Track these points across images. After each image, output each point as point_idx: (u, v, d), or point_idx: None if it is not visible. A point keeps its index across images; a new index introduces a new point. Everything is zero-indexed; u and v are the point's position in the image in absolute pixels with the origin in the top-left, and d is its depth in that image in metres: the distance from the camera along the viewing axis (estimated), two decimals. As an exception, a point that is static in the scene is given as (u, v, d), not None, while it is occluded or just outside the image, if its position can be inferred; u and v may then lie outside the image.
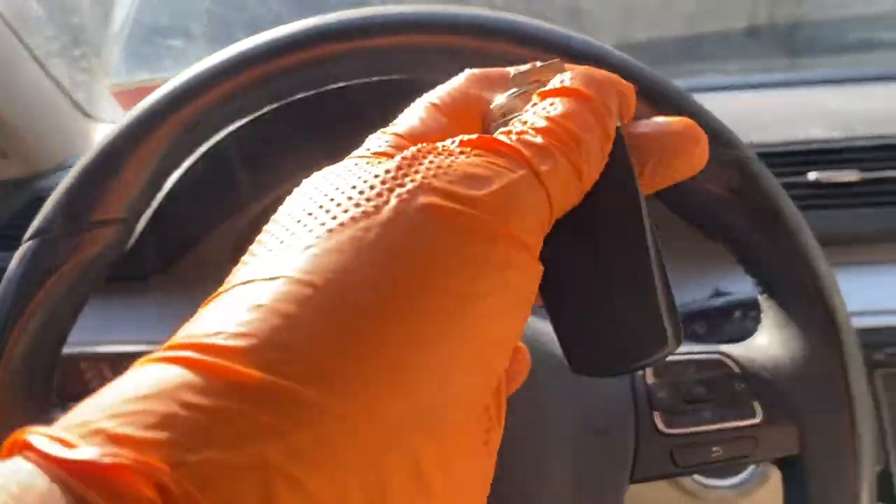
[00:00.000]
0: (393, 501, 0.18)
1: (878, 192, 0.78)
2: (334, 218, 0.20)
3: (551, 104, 0.23)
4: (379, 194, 0.20)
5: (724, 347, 0.49)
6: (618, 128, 0.24)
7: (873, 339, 0.72)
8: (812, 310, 0.46)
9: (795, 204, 0.78)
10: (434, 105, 0.26)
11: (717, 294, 0.67)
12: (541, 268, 0.22)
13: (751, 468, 0.71)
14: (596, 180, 0.24)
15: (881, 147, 0.80)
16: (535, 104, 0.24)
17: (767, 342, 0.48)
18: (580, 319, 0.24)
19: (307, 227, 0.20)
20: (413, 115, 0.26)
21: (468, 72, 0.27)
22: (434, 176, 0.20)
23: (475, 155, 0.21)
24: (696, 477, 0.71)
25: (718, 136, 0.47)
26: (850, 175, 0.78)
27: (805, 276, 0.46)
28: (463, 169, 0.21)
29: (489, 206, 0.20)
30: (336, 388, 0.17)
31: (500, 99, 0.26)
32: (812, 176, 0.78)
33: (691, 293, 0.73)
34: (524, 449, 0.45)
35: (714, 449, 0.46)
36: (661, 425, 0.46)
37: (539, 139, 0.22)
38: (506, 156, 0.22)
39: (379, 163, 0.21)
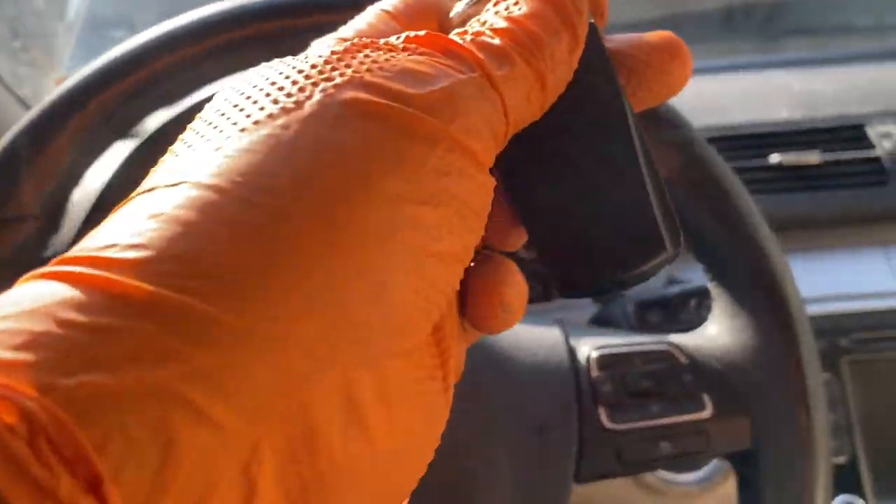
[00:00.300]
0: (321, 438, 0.15)
1: (839, 173, 0.76)
2: (248, 116, 0.17)
3: (515, 3, 0.21)
4: (301, 89, 0.18)
5: (673, 337, 0.46)
6: (591, 23, 0.22)
7: (838, 325, 0.70)
8: (763, 297, 0.44)
9: (757, 187, 0.77)
10: (386, 11, 0.23)
11: (672, 282, 0.65)
12: (492, 181, 0.19)
13: (714, 462, 0.69)
14: (564, 89, 0.21)
15: (843, 128, 0.78)
16: (496, 2, 0.21)
17: (717, 331, 0.46)
18: (566, 236, 0.22)
19: (219, 128, 0.17)
20: (362, 20, 0.23)
21: None
22: (368, 70, 0.18)
23: (420, 53, 0.19)
24: (659, 472, 0.69)
25: (660, 116, 0.45)
26: (812, 157, 0.76)
27: (755, 262, 0.44)
28: (402, 65, 0.18)
29: (429, 104, 0.18)
30: (245, 305, 0.15)
31: (459, 6, 0.23)
32: (774, 158, 0.76)
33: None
34: (458, 451, 0.42)
35: (662, 445, 0.43)
36: (605, 421, 0.43)
37: (497, 41, 0.20)
38: (456, 56, 0.19)
39: (306, 59, 0.19)
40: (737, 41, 1.39)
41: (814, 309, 0.71)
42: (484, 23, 0.21)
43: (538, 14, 0.20)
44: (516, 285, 0.22)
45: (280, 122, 0.17)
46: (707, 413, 0.43)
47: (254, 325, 0.15)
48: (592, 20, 0.22)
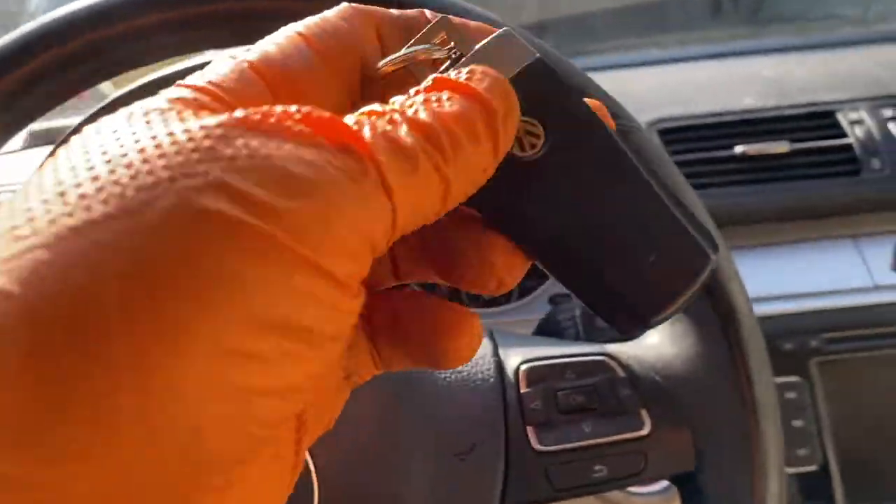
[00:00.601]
0: None
1: (808, 163, 0.72)
2: (83, 199, 0.15)
3: (448, 98, 0.19)
4: (156, 183, 0.15)
5: (611, 347, 0.42)
6: (545, 64, 0.22)
7: (808, 325, 0.66)
8: (705, 299, 0.40)
9: (722, 179, 0.73)
10: (300, 34, 0.21)
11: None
12: (357, 302, 0.17)
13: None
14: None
15: (812, 115, 0.74)
16: (428, 90, 0.19)
17: (659, 339, 0.42)
18: (612, 284, 0.22)
19: (45, 204, 0.15)
20: (271, 42, 0.20)
21: (346, 3, 0.22)
22: (239, 170, 0.15)
23: (312, 144, 0.16)
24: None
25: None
26: (779, 146, 0.72)
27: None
28: (282, 164, 0.16)
29: (299, 223, 0.15)
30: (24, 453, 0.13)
31: (394, 56, 0.22)
32: (739, 149, 0.72)
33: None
34: (375, 473, 0.38)
35: (597, 468, 0.39)
36: (534, 442, 0.39)
37: (410, 139, 0.17)
38: (351, 154, 0.17)
39: (178, 133, 0.16)
40: (724, 28, 1.36)
41: (781, 307, 0.68)
42: (409, 107, 0.18)
43: (466, 116, 0.19)
44: (467, 336, 0.22)
45: (117, 224, 0.14)
46: (645, 431, 0.39)
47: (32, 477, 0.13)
48: (538, 55, 0.22)
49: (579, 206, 0.22)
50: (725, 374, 0.39)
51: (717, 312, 0.40)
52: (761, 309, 0.67)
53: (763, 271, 0.69)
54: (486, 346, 0.43)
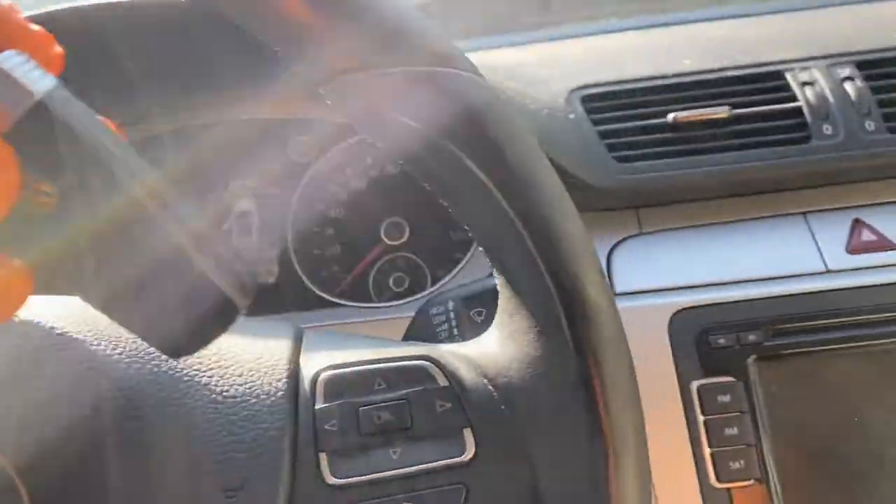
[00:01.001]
0: None
1: (751, 130, 0.62)
2: None
3: None
4: None
5: (440, 348, 0.34)
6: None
7: (745, 316, 0.57)
8: (547, 286, 0.31)
9: (656, 150, 0.64)
10: None
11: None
12: None
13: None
14: None
15: (758, 76, 0.65)
16: None
17: (496, 338, 0.33)
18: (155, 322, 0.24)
19: None
20: None
21: None
22: None
23: None
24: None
25: (395, 40, 0.32)
26: (717, 111, 0.62)
27: (536, 236, 0.31)
28: None
29: None
30: None
31: None
32: (671, 116, 0.63)
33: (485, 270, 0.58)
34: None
35: (404, 504, 0.31)
36: (326, 473, 0.31)
37: None
38: None
39: None
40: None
41: (714, 296, 0.59)
42: None
43: None
44: None
45: None
46: (467, 456, 0.31)
47: None
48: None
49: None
50: (570, 385, 0.30)
51: (560, 304, 0.31)
52: (692, 298, 0.58)
53: (697, 254, 0.60)
54: (283, 350, 0.34)
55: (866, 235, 0.60)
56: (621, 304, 0.60)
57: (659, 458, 0.57)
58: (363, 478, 0.31)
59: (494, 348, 0.33)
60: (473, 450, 0.31)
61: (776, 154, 0.61)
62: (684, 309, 0.58)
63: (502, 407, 0.31)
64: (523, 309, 0.32)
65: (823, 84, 0.64)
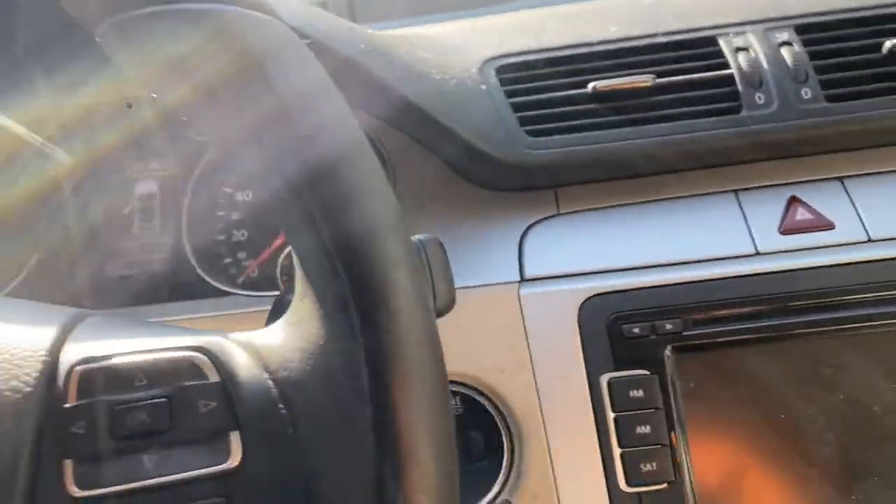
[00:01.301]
0: None
1: (677, 100, 0.57)
2: None
3: None
4: None
5: (221, 338, 0.29)
6: None
7: (662, 303, 0.52)
8: (333, 264, 0.26)
9: (578, 122, 0.58)
10: None
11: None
12: None
13: (490, 497, 0.51)
14: None
15: (687, 42, 0.59)
16: None
17: (285, 324, 0.28)
18: None
19: None
20: None
21: None
22: None
23: None
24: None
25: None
26: (641, 80, 0.57)
27: (322, 208, 0.26)
28: None
29: None
30: None
31: None
32: (591, 86, 0.58)
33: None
34: None
35: (157, 521, 0.26)
36: (69, 484, 0.26)
37: None
38: None
39: None
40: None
41: (630, 281, 0.53)
42: None
43: None
44: None
45: None
46: (232, 462, 0.26)
47: None
48: None
49: None
50: (356, 382, 0.25)
51: (348, 288, 0.26)
52: (605, 283, 0.53)
53: (616, 236, 0.55)
54: (44, 338, 0.29)
55: (801, 214, 0.55)
56: (530, 290, 0.56)
57: (564, 460, 0.52)
58: (111, 489, 0.26)
59: (281, 337, 0.28)
60: (240, 456, 0.26)
61: (703, 125, 0.56)
62: (596, 295, 0.53)
63: (280, 406, 0.27)
64: (311, 291, 0.27)
65: (758, 49, 0.58)
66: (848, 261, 0.52)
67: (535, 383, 0.52)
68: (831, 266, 0.53)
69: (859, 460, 0.50)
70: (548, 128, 0.57)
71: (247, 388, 0.27)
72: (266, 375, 0.27)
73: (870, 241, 0.54)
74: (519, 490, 0.50)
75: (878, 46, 0.57)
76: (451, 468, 0.26)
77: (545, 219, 0.58)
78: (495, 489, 0.51)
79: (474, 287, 0.55)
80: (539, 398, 0.51)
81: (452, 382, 0.53)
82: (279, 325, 0.28)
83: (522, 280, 0.55)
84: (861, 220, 0.54)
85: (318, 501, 0.25)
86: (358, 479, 0.25)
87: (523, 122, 0.57)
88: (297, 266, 0.28)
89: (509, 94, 0.58)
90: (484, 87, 0.59)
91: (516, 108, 0.58)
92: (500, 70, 0.60)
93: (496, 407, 0.52)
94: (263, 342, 0.28)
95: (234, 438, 0.26)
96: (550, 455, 0.51)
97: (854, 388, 0.50)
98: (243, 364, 0.27)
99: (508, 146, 0.56)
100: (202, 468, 0.26)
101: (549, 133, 0.57)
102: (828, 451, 0.50)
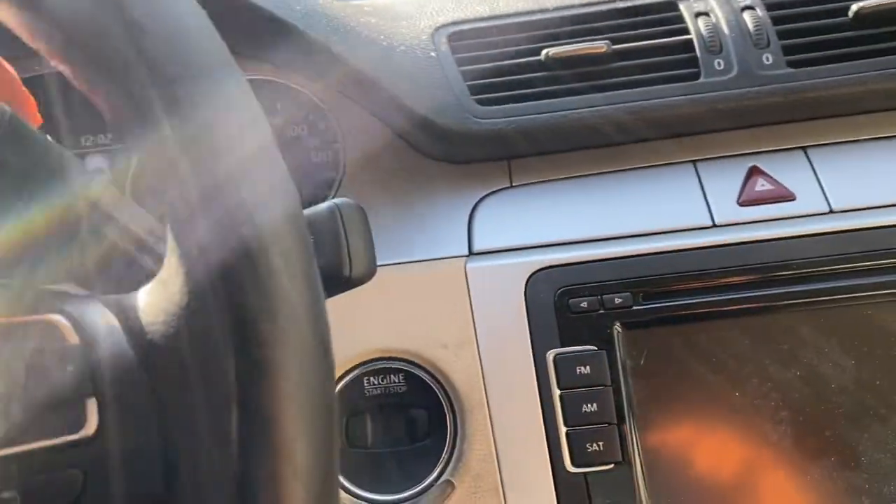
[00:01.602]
0: None
1: (634, 67, 0.55)
2: None
3: None
4: None
5: (92, 299, 0.27)
6: None
7: (611, 276, 0.50)
8: (194, 212, 0.24)
9: (533, 91, 0.56)
10: None
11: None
12: None
13: (431, 478, 0.49)
14: None
15: (644, 7, 0.57)
16: None
17: (154, 283, 0.26)
18: None
19: None
20: None
21: None
22: None
23: None
24: (356, 490, 0.50)
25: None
26: (594, 46, 0.55)
27: (185, 140, 0.24)
28: None
29: None
30: None
31: None
32: (544, 53, 0.55)
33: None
34: None
35: (5, 496, 0.24)
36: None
37: None
38: None
39: None
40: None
41: (580, 254, 0.51)
42: None
43: None
44: None
45: None
46: (87, 431, 0.24)
47: None
48: None
49: None
50: (219, 345, 0.23)
51: (208, 243, 0.24)
52: (553, 257, 0.51)
53: (569, 209, 0.52)
54: None
55: (761, 185, 0.53)
56: (477, 264, 0.53)
57: (507, 438, 0.50)
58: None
59: (150, 297, 0.26)
60: (95, 425, 0.24)
61: (659, 92, 0.54)
62: (543, 269, 0.50)
63: (141, 371, 0.25)
64: (177, 248, 0.25)
65: (719, 14, 0.56)
66: (808, 232, 0.50)
67: (480, 360, 0.50)
68: (790, 238, 0.50)
69: (816, 439, 0.48)
70: (499, 96, 0.55)
71: (108, 351, 0.25)
72: (130, 339, 0.25)
73: (831, 212, 0.51)
74: (460, 471, 0.49)
75: (845, 10, 0.55)
76: (324, 443, 0.24)
77: (497, 191, 0.55)
78: (437, 470, 0.49)
79: (420, 261, 0.53)
80: (483, 375, 0.49)
81: (394, 359, 0.51)
82: (153, 283, 0.26)
83: (470, 254, 0.53)
84: (823, 190, 0.52)
85: (177, 474, 0.24)
86: (218, 453, 0.23)
87: (474, 90, 0.55)
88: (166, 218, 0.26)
89: (460, 63, 0.56)
90: (434, 54, 0.56)
91: (467, 76, 0.56)
92: (452, 37, 0.57)
93: (439, 383, 0.50)
94: (131, 302, 0.26)
95: (91, 405, 0.24)
96: (494, 434, 0.49)
97: (811, 365, 0.48)
98: (107, 326, 0.25)
99: (457, 116, 0.54)
100: (53, 438, 0.24)
101: (500, 102, 0.55)
102: (783, 429, 0.48)
